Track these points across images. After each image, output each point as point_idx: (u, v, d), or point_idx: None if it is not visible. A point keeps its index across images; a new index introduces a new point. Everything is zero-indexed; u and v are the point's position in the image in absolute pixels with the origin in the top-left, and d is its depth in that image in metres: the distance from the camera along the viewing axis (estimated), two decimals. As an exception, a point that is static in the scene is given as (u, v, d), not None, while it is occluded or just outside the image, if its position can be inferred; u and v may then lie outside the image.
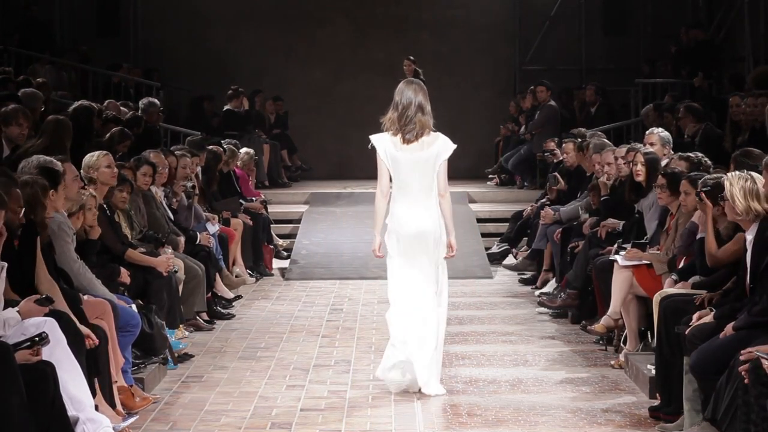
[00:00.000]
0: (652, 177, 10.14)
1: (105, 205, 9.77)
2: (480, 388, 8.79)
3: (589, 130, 14.91)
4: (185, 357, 9.75)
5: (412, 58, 20.40)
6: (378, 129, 8.81)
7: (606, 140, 13.27)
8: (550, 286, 12.70)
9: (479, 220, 17.10)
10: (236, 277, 13.43)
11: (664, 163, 10.48)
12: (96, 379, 7.37)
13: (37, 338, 6.45)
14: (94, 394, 7.12)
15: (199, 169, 13.53)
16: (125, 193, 10.41)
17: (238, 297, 12.86)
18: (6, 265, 6.79)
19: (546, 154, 16.04)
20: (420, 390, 8.59)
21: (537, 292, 12.89)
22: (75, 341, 6.99)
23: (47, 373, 6.39)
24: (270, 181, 20.31)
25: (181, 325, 10.52)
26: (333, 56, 23.14)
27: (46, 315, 6.81)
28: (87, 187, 9.15)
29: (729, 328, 7.03)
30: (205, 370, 9.47)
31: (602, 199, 11.81)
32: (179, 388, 8.82)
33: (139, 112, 15.73)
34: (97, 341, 7.40)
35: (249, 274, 14.11)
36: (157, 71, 21.91)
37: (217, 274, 12.38)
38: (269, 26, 23.06)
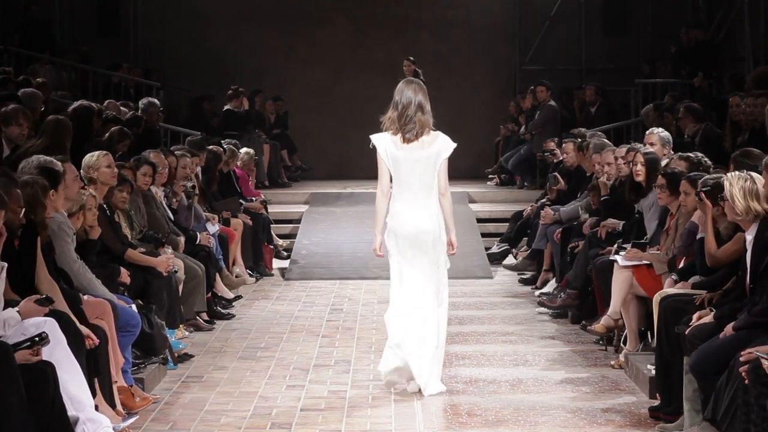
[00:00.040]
0: (652, 177, 10.14)
1: (105, 205, 9.77)
2: (480, 388, 8.79)
3: (589, 130, 14.91)
4: (185, 357, 9.75)
5: (411, 58, 20.40)
6: (378, 129, 8.82)
7: (606, 140, 13.27)
8: (550, 286, 12.70)
9: (479, 220, 17.10)
10: (236, 277, 13.43)
11: (664, 163, 10.48)
12: (96, 379, 7.37)
13: (37, 338, 6.45)
14: (94, 394, 7.12)
15: (199, 169, 13.53)
16: (125, 193, 10.41)
17: (238, 297, 12.86)
18: (6, 265, 6.80)
19: (546, 154, 16.04)
20: (420, 391, 8.59)
21: (537, 292, 12.89)
22: (75, 341, 6.99)
23: (47, 373, 6.39)
24: (270, 181, 20.31)
25: (181, 325, 10.52)
26: (333, 56, 23.14)
27: (46, 315, 6.81)
28: (87, 187, 9.15)
29: (729, 328, 7.03)
30: (205, 370, 9.47)
31: (602, 199, 11.81)
32: (179, 388, 8.82)
33: (139, 112, 15.73)
34: (97, 341, 7.40)
35: (249, 274, 14.11)
36: (157, 71, 21.92)
37: (217, 274, 12.38)
38: (269, 26, 23.06)
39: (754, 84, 14.67)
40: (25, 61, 19.03)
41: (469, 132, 19.85)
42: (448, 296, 8.90)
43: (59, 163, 8.33)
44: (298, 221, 17.30)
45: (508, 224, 15.96)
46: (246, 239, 14.22)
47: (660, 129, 11.60)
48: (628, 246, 9.96)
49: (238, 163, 15.64)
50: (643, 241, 10.09)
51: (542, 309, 11.96)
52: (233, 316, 11.91)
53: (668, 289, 8.49)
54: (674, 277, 8.77)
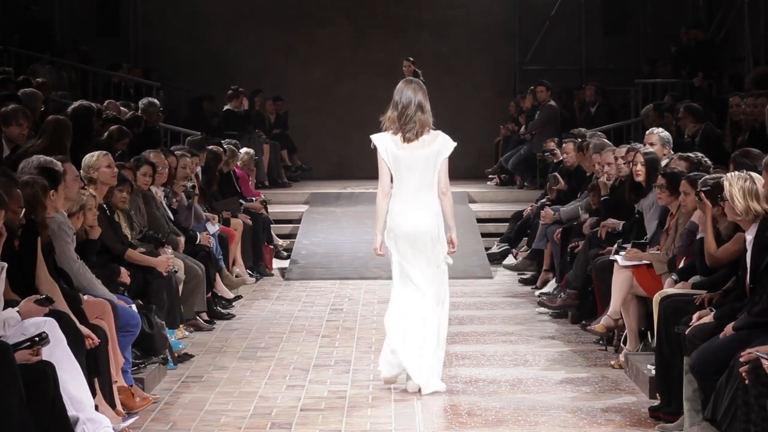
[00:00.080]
0: (652, 177, 10.14)
1: (105, 205, 9.77)
2: (480, 388, 8.79)
3: (589, 130, 14.91)
4: (185, 357, 9.75)
5: (411, 58, 20.39)
6: (378, 129, 8.83)
7: (606, 140, 13.27)
8: (550, 286, 12.70)
9: (479, 220, 17.10)
10: (236, 277, 13.43)
11: (664, 163, 10.48)
12: (96, 379, 7.37)
13: (37, 338, 6.45)
14: (94, 394, 7.12)
15: (199, 169, 13.53)
16: (125, 193, 10.41)
17: (238, 297, 12.86)
18: (6, 265, 6.80)
19: (546, 154, 16.04)
20: (419, 391, 8.59)
21: (537, 292, 12.89)
22: (75, 341, 6.99)
23: (47, 373, 6.39)
24: (270, 181, 20.31)
25: (181, 325, 10.52)
26: (333, 56, 23.14)
27: (46, 315, 6.81)
28: (87, 187, 9.14)
29: (729, 328, 7.03)
30: (205, 370, 9.47)
31: (602, 199, 11.81)
32: (179, 388, 8.82)
33: (139, 112, 15.73)
34: (97, 341, 7.40)
35: (249, 274, 14.11)
36: (157, 71, 21.92)
37: (217, 274, 12.38)
38: (269, 26, 23.06)
39: (753, 84, 14.67)
40: (25, 61, 19.03)
41: (469, 132, 19.84)
42: (448, 296, 8.91)
43: (59, 163, 8.33)
44: (298, 221, 17.30)
45: (508, 224, 15.96)
46: (246, 239, 14.22)
47: (660, 129, 11.61)
48: (628, 246, 9.96)
49: (238, 163, 15.63)
50: (643, 241, 10.09)
51: (542, 309, 11.96)
52: (233, 316, 11.91)
53: (668, 289, 8.49)
54: (674, 277, 8.77)
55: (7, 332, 6.58)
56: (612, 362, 9.55)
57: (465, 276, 14.15)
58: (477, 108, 22.80)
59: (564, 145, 14.04)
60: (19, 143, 10.91)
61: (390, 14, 23.29)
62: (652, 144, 11.12)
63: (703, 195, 8.06)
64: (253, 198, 15.43)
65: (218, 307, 11.90)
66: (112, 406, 7.57)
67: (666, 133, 11.40)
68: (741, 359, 6.52)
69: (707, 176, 8.45)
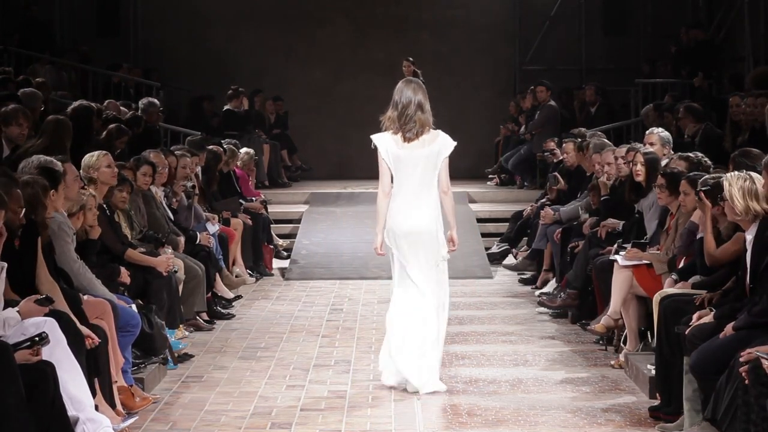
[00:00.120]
0: (652, 177, 10.14)
1: (105, 205, 9.77)
2: (480, 388, 8.79)
3: (589, 130, 14.91)
4: (185, 357, 9.75)
5: (411, 59, 20.38)
6: (378, 128, 8.84)
7: (606, 140, 13.27)
8: (550, 286, 12.70)
9: (479, 220, 17.10)
10: (236, 277, 13.43)
11: (664, 163, 10.48)
12: (96, 379, 7.37)
13: (37, 338, 6.45)
14: (94, 394, 7.12)
15: (199, 169, 13.53)
16: (125, 193, 10.41)
17: (238, 297, 12.86)
18: (6, 265, 6.80)
19: (546, 154, 16.05)
20: (419, 390, 8.60)
21: (537, 292, 12.89)
22: (75, 341, 6.99)
23: (47, 373, 6.39)
24: (270, 181, 20.31)
25: (181, 325, 10.52)
26: (333, 56, 23.14)
27: (46, 315, 6.81)
28: (87, 187, 9.14)
29: (729, 328, 7.03)
30: (205, 370, 9.47)
31: (602, 199, 11.81)
32: (179, 388, 8.82)
33: (139, 112, 15.73)
34: (98, 341, 7.40)
35: (249, 274, 14.11)
36: (157, 71, 21.92)
37: (217, 274, 12.38)
38: (269, 26, 23.06)
39: (753, 84, 14.68)
40: (25, 61, 19.03)
41: (469, 132, 19.84)
42: (448, 295, 8.91)
43: (59, 163, 8.33)
44: (298, 221, 17.30)
45: (508, 224, 15.96)
46: (246, 239, 14.22)
47: (660, 129, 11.61)
48: (628, 246, 9.96)
49: (238, 163, 15.64)
50: (643, 241, 10.09)
51: (542, 309, 11.96)
52: (233, 316, 11.91)
53: (668, 289, 8.49)
54: (674, 277, 8.77)
55: (7, 332, 6.58)
56: (612, 362, 9.55)
57: (465, 276, 14.15)
58: (477, 108, 22.81)
59: (564, 145, 14.04)
60: (19, 143, 10.92)
61: (390, 14, 23.30)
62: (652, 144, 11.12)
63: (702, 195, 8.06)
64: (253, 198, 15.43)
65: (218, 307, 11.90)
66: (112, 406, 7.57)
67: (666, 133, 11.40)
68: (741, 359, 6.52)
69: (707, 176, 8.45)
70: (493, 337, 10.82)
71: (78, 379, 6.83)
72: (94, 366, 7.36)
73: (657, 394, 8.09)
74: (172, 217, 11.79)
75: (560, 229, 12.70)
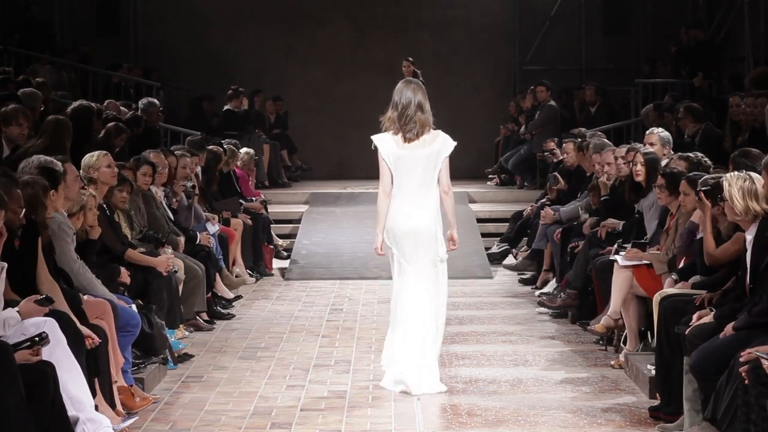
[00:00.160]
0: (652, 177, 10.14)
1: (105, 205, 9.77)
2: (480, 388, 8.79)
3: (589, 130, 14.91)
4: (185, 357, 9.75)
5: (410, 59, 20.37)
6: (378, 128, 8.86)
7: (606, 140, 13.27)
8: (550, 286, 12.70)
9: (479, 220, 17.10)
10: (236, 277, 13.43)
11: (664, 163, 10.48)
12: (96, 379, 7.37)
13: (37, 338, 6.45)
14: (94, 394, 7.12)
15: (199, 169, 13.53)
16: (125, 193, 10.41)
17: (238, 297, 12.86)
18: (6, 265, 6.80)
19: (546, 154, 16.05)
20: (420, 390, 8.60)
21: (537, 292, 12.89)
22: (75, 341, 6.99)
23: (47, 373, 6.39)
24: (270, 181, 20.31)
25: (181, 325, 10.52)
26: (333, 56, 23.14)
27: (46, 315, 6.81)
28: (87, 187, 9.14)
29: (729, 328, 7.03)
30: (205, 370, 9.47)
31: (602, 199, 11.82)
32: (179, 388, 8.82)
33: (139, 112, 15.73)
34: (98, 341, 7.41)
35: (249, 274, 14.11)
36: (157, 71, 21.92)
37: (217, 274, 12.38)
38: (269, 26, 23.06)
39: (752, 84, 14.68)
40: (25, 61, 19.03)
41: (469, 132, 19.84)
42: (446, 296, 8.92)
43: (59, 163, 8.33)
44: (298, 221, 17.30)
45: (508, 224, 15.97)
46: (246, 239, 14.22)
47: (660, 129, 11.61)
48: (628, 246, 9.96)
49: (238, 163, 15.64)
50: (643, 241, 10.09)
51: (542, 309, 11.96)
52: (233, 316, 11.91)
53: (668, 289, 8.49)
54: (674, 277, 8.77)
55: (7, 332, 6.58)
56: (612, 362, 9.54)
57: (465, 276, 14.16)
58: (477, 108, 22.81)
59: (564, 145, 14.04)
60: (19, 143, 10.92)
61: (390, 14, 23.29)
62: (652, 144, 11.12)
63: (702, 195, 8.06)
64: (253, 198, 15.43)
65: (218, 307, 11.90)
66: (112, 406, 7.57)
67: (666, 133, 11.40)
68: (741, 359, 6.52)
69: (707, 176, 8.45)
70: (493, 337, 10.82)
71: (78, 379, 6.83)
72: (94, 366, 7.36)
73: (657, 394, 8.10)
74: (172, 217, 11.79)
75: (560, 229, 12.70)
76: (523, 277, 14.24)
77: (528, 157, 19.63)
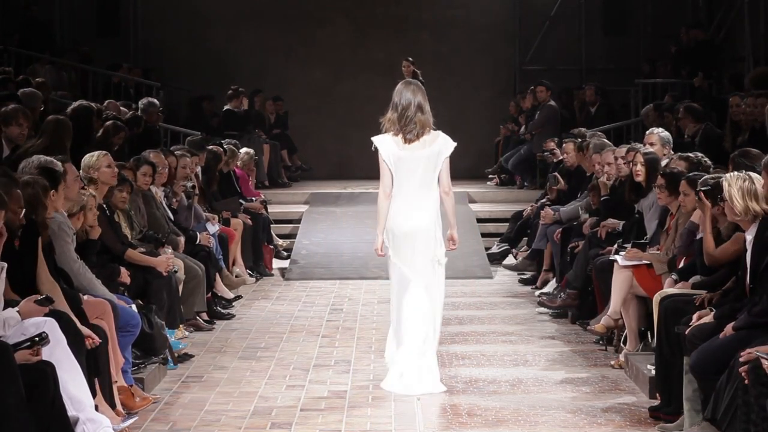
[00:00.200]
0: (652, 177, 10.14)
1: (105, 205, 9.77)
2: (480, 388, 8.79)
3: (589, 130, 14.92)
4: (185, 357, 9.75)
5: (410, 59, 20.36)
6: (378, 129, 8.87)
7: (606, 140, 13.28)
8: (550, 286, 12.70)
9: (479, 220, 17.10)
10: (236, 277, 13.43)
11: (664, 163, 10.48)
12: (96, 379, 7.37)
13: (37, 338, 6.45)
14: (94, 394, 7.12)
15: (199, 169, 13.53)
16: (125, 193, 10.41)
17: (238, 297, 12.86)
18: (6, 265, 6.80)
19: (546, 154, 16.05)
20: (420, 391, 8.60)
21: (537, 292, 12.89)
22: (75, 341, 6.99)
23: (47, 373, 6.39)
24: (270, 181, 20.31)
25: (181, 325, 10.52)
26: (333, 56, 23.14)
27: (46, 315, 6.81)
28: (87, 187, 9.14)
29: (729, 328, 7.03)
30: (205, 370, 9.47)
31: (602, 199, 11.82)
32: (179, 388, 8.82)
33: (139, 112, 15.73)
34: (98, 341, 7.41)
35: (249, 274, 14.11)
36: (157, 71, 21.92)
37: (217, 274, 12.38)
38: (269, 26, 23.06)
39: (752, 84, 14.68)
40: (25, 61, 19.03)
41: (469, 132, 19.84)
42: (444, 295, 8.94)
43: (59, 164, 8.33)
44: (298, 221, 17.30)
45: (508, 224, 15.97)
46: (246, 239, 14.22)
47: (660, 129, 11.61)
48: (628, 246, 9.96)
49: (238, 163, 15.64)
50: (643, 241, 10.09)
51: (542, 309, 11.96)
52: (233, 316, 11.91)
53: (668, 289, 8.49)
54: (674, 277, 8.77)
55: (7, 332, 6.58)
56: (612, 362, 9.54)
57: (465, 276, 14.16)
58: (477, 108, 22.80)
59: (564, 145, 14.04)
60: (19, 143, 10.92)
61: (390, 14, 23.29)
62: (652, 144, 11.12)
63: (702, 195, 8.06)
64: (253, 198, 15.43)
65: (218, 307, 11.90)
66: (112, 406, 7.57)
67: (666, 133, 11.40)
68: (741, 359, 6.52)
69: (707, 176, 8.45)
70: (493, 337, 10.82)
71: (78, 379, 6.83)
72: (94, 366, 7.36)
73: (657, 394, 8.10)
74: (172, 217, 11.79)
75: (560, 229, 12.70)
76: (523, 277, 14.24)
77: (528, 157, 19.63)
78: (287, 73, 23.00)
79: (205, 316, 11.34)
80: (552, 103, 19.87)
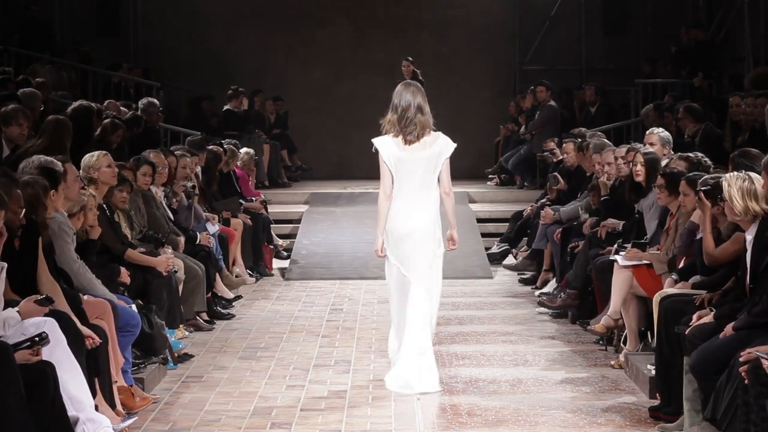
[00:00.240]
0: (652, 177, 10.14)
1: (105, 205, 9.77)
2: (480, 388, 8.79)
3: (589, 130, 14.92)
4: (185, 357, 9.75)
5: (410, 59, 20.35)
6: (378, 129, 8.88)
7: (606, 140, 13.28)
8: (550, 286, 12.70)
9: (479, 220, 17.10)
10: (236, 277, 13.43)
11: (664, 163, 10.48)
12: (96, 379, 7.37)
13: (37, 338, 6.45)
14: (94, 394, 7.12)
15: (199, 169, 13.53)
16: (125, 193, 10.41)
17: (238, 297, 12.86)
18: (6, 265, 6.80)
19: (546, 154, 16.05)
20: (419, 390, 8.61)
21: (537, 292, 12.89)
22: (75, 341, 6.99)
23: (47, 373, 6.39)
24: (270, 181, 20.31)
25: (181, 325, 10.52)
26: (333, 56, 23.14)
27: (46, 315, 6.81)
28: (87, 187, 9.14)
29: (729, 328, 7.03)
30: (205, 370, 9.47)
31: (602, 199, 11.82)
32: (179, 388, 8.82)
33: (139, 112, 15.73)
34: (99, 341, 7.41)
35: (249, 274, 14.11)
36: (157, 71, 21.92)
37: (217, 274, 12.38)
38: (269, 26, 23.06)
39: (752, 84, 14.68)
40: (25, 61, 19.03)
41: (469, 132, 19.85)
42: (440, 291, 8.96)
43: (60, 163, 8.33)
44: (298, 221, 17.30)
45: (508, 224, 15.97)
46: (246, 239, 14.22)
47: (660, 129, 11.61)
48: (628, 246, 9.96)
49: (238, 163, 15.64)
50: (643, 241, 10.09)
51: (542, 309, 11.96)
52: (233, 316, 11.91)
53: (668, 289, 8.49)
54: (674, 277, 8.77)
55: (7, 332, 6.58)
56: (612, 362, 9.54)
57: (465, 276, 14.16)
58: (477, 108, 22.81)
59: (564, 145, 14.04)
60: (19, 143, 10.92)
61: (390, 14, 23.30)
62: (652, 144, 11.12)
63: (702, 195, 8.06)
64: (253, 198, 15.43)
65: (218, 307, 11.90)
66: (112, 406, 7.57)
67: (666, 133, 11.40)
68: (741, 359, 6.52)
69: (707, 176, 8.45)
70: (493, 337, 10.82)
71: (78, 379, 6.83)
72: (94, 366, 7.36)
73: (657, 394, 8.10)
74: (172, 217, 11.79)
75: (560, 229, 12.70)
76: (523, 277, 14.24)
77: (528, 157, 19.63)
78: (287, 73, 23.00)
79: (205, 316, 11.34)
80: (552, 103, 19.87)
